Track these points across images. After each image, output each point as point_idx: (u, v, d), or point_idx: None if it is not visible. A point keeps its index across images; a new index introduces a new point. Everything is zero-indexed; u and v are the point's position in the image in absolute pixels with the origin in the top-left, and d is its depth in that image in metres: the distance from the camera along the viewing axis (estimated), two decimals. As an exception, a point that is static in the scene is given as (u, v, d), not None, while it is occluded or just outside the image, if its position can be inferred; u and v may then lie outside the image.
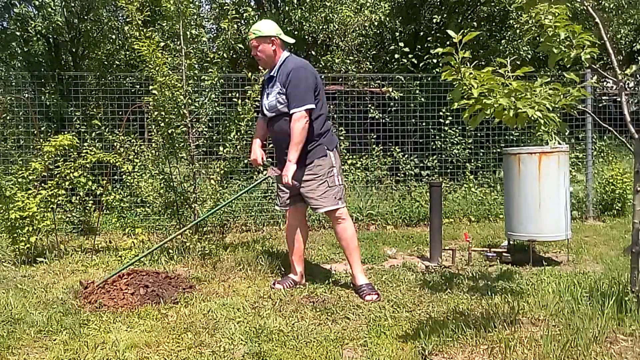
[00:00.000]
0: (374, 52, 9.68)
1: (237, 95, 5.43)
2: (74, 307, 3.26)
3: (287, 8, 9.06)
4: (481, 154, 7.47)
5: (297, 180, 3.53)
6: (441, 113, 7.24)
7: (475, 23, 8.84)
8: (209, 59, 5.06)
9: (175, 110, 4.75)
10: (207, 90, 5.35)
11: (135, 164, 5.22)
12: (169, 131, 4.77)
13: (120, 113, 6.68)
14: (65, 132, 5.18)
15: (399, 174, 7.16)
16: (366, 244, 5.20)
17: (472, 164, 7.32)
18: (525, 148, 4.56)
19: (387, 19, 9.43)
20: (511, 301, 3.14)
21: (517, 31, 8.16)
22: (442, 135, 7.30)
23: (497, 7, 8.67)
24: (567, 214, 4.36)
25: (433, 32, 8.49)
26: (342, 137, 7.06)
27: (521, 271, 4.05)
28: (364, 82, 7.58)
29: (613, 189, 6.79)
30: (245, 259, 4.35)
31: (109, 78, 7.46)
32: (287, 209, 3.81)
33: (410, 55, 7.80)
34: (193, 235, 4.68)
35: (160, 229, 5.76)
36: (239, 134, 5.09)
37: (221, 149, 5.20)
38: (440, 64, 7.55)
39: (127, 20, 4.81)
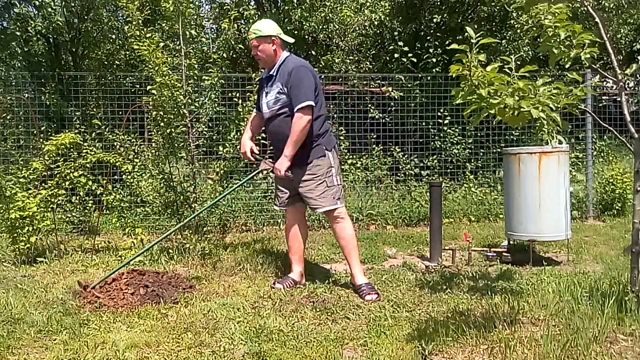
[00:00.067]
0: (374, 51, 9.67)
1: (237, 95, 5.43)
2: (73, 307, 3.25)
3: (287, 8, 9.07)
4: (481, 154, 7.47)
5: (297, 180, 3.54)
6: (441, 113, 7.23)
7: (475, 24, 8.82)
8: (210, 60, 5.06)
9: (175, 110, 4.75)
10: (207, 90, 5.34)
11: (135, 163, 5.22)
12: (169, 131, 4.76)
13: (120, 113, 6.67)
14: (66, 132, 5.17)
15: (399, 174, 7.16)
16: (366, 244, 5.20)
17: (472, 163, 7.31)
18: (525, 148, 4.56)
19: (387, 18, 9.43)
20: (511, 301, 3.13)
21: (518, 31, 8.16)
22: (442, 135, 7.29)
23: (497, 7, 8.66)
24: (567, 214, 4.36)
25: (433, 32, 8.48)
26: (342, 137, 7.06)
27: (521, 271, 4.05)
28: (364, 82, 7.57)
29: (613, 189, 6.79)
30: (245, 258, 4.36)
31: (109, 78, 7.46)
32: (286, 209, 3.82)
33: (410, 55, 7.80)
34: (193, 235, 4.68)
35: (160, 229, 5.76)
36: (239, 134, 5.09)
37: (221, 148, 5.20)
38: (440, 64, 7.66)
39: (127, 20, 4.80)
